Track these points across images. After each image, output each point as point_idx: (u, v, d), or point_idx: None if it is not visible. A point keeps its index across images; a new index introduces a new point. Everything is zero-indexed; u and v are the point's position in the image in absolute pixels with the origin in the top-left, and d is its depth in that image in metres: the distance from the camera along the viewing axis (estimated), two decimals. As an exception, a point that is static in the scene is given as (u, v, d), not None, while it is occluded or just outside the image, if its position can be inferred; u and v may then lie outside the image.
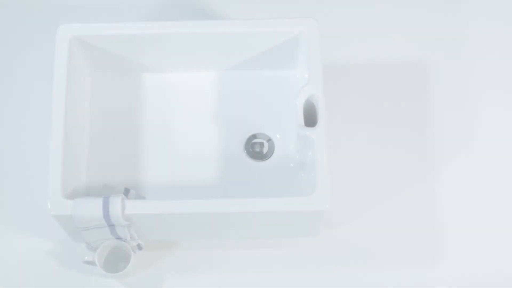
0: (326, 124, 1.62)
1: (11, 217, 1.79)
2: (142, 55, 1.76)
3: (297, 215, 1.60)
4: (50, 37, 1.92)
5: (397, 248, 1.77)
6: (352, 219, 1.79)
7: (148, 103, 1.80)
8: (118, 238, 1.66)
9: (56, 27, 1.92)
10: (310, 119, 1.68)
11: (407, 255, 1.76)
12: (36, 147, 1.85)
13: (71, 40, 1.68)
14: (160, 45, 1.73)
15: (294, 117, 1.76)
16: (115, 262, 1.73)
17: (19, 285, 1.75)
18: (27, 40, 1.95)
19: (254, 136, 1.77)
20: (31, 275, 1.75)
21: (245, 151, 1.77)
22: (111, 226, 1.61)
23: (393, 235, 1.78)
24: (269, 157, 1.76)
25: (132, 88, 1.81)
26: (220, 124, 1.78)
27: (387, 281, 1.75)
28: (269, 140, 1.77)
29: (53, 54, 1.89)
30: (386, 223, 1.78)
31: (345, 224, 1.79)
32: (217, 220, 1.61)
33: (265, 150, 1.77)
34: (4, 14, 1.97)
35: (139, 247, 1.71)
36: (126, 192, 1.70)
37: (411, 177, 1.82)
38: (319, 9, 1.97)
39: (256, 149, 1.77)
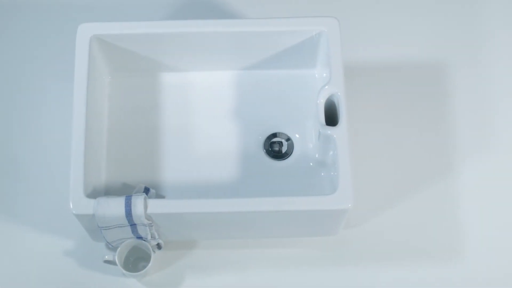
0: (347, 123, 1.62)
1: (31, 217, 1.79)
2: (161, 54, 1.76)
3: (319, 214, 1.60)
4: (66, 36, 1.94)
5: (415, 247, 1.77)
6: (370, 218, 1.79)
7: (167, 102, 1.80)
8: (139, 237, 1.66)
9: (71, 26, 1.93)
10: (330, 118, 1.69)
11: (425, 254, 1.76)
12: (53, 146, 1.84)
13: (91, 39, 1.68)
14: (179, 44, 1.73)
15: (313, 116, 1.76)
16: (135, 261, 1.73)
17: (39, 284, 1.74)
18: (44, 39, 1.94)
19: (273, 135, 1.77)
20: (50, 274, 1.75)
21: (264, 150, 1.76)
22: (133, 225, 1.60)
23: (411, 234, 1.78)
24: (288, 156, 1.76)
25: (151, 88, 1.80)
26: (239, 123, 1.78)
27: (406, 280, 1.74)
28: (288, 139, 1.77)
29: (69, 53, 1.91)
30: (404, 222, 1.79)
31: (362, 223, 1.79)
32: (240, 219, 1.61)
33: (284, 149, 1.77)
34: (22, 14, 1.96)
35: (159, 246, 1.70)
36: (146, 191, 1.69)
37: (429, 176, 1.82)
38: (335, 9, 1.97)
39: (275, 148, 1.77)
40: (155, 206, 1.57)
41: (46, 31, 1.95)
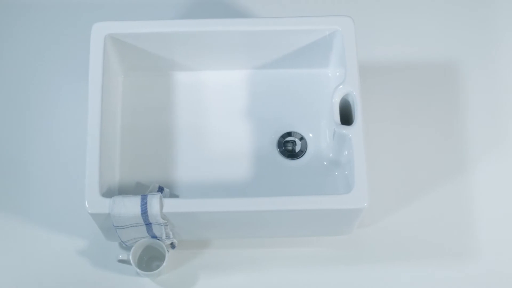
0: (363, 122, 1.62)
1: (44, 216, 1.79)
2: (174, 53, 1.75)
3: (334, 213, 1.60)
4: (77, 35, 1.93)
5: (428, 246, 1.77)
6: (383, 217, 1.79)
7: (180, 101, 1.79)
8: (153, 236, 1.66)
9: (81, 26, 1.93)
10: (344, 117, 1.69)
11: (439, 253, 1.76)
12: (66, 145, 1.84)
13: (106, 38, 1.68)
14: (192, 43, 1.73)
15: (326, 116, 1.76)
16: (149, 260, 1.73)
17: (53, 283, 1.74)
18: (56, 38, 1.94)
19: (287, 134, 1.77)
20: (64, 274, 1.75)
21: (278, 150, 1.76)
22: (148, 224, 1.60)
23: (424, 234, 1.78)
24: (302, 156, 1.76)
25: (164, 87, 1.80)
26: (252, 122, 1.78)
27: (420, 279, 1.74)
28: (301, 138, 1.77)
29: (81, 52, 1.91)
30: (417, 221, 1.79)
31: (376, 222, 1.79)
32: (256, 218, 1.61)
33: (297, 148, 1.77)
34: (32, 14, 1.96)
35: (172, 245, 1.70)
36: (160, 190, 1.69)
37: (442, 175, 1.82)
38: (347, 8, 1.97)
39: (289, 147, 1.77)
40: (171, 205, 1.57)
41: (57, 30, 1.95)
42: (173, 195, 1.72)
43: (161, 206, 1.57)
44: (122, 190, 1.73)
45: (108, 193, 1.64)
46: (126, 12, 1.96)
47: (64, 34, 1.94)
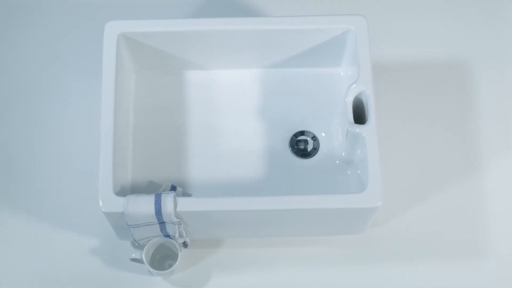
0: (376, 121, 1.62)
1: (56, 215, 1.79)
2: (187, 52, 1.75)
3: (348, 212, 1.60)
4: (88, 34, 1.93)
5: (441, 245, 1.77)
6: (395, 217, 1.79)
7: (192, 100, 1.79)
8: (166, 235, 1.66)
9: (92, 25, 1.93)
10: (356, 116, 1.69)
11: (451, 253, 1.76)
12: (77, 144, 1.84)
13: (119, 37, 1.68)
14: (205, 42, 1.73)
15: (339, 114, 1.76)
16: (161, 259, 1.73)
17: (65, 282, 1.74)
18: (67, 37, 1.94)
19: (300, 133, 1.77)
20: (76, 272, 1.74)
21: (290, 148, 1.76)
22: (162, 223, 1.60)
23: (437, 233, 1.78)
24: (314, 155, 1.76)
25: (176, 86, 1.80)
26: (265, 121, 1.78)
27: (433, 279, 1.74)
28: (313, 137, 1.77)
29: (92, 51, 1.91)
30: (430, 220, 1.79)
31: (388, 222, 1.79)
32: (271, 217, 1.61)
33: (309, 147, 1.77)
34: (42, 14, 1.96)
35: (185, 244, 1.70)
36: (173, 189, 1.69)
37: (455, 175, 1.82)
38: (358, 8, 1.97)
39: (301, 146, 1.77)
40: (185, 204, 1.57)
41: (69, 29, 1.95)
42: (185, 194, 1.72)
43: (175, 205, 1.57)
44: (135, 189, 1.73)
45: (121, 192, 1.64)
46: (137, 11, 1.96)
47: (76, 33, 1.94)
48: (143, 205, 1.56)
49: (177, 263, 1.67)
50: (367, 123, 1.63)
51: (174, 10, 1.96)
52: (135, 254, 1.69)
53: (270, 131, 1.78)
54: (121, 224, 1.62)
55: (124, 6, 1.97)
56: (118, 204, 1.57)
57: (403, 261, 1.75)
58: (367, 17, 1.92)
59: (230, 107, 1.79)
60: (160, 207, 1.56)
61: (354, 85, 1.65)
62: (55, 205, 1.79)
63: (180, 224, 1.61)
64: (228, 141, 1.77)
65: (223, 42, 1.73)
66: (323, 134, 1.77)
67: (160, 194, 1.57)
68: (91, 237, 1.77)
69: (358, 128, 1.62)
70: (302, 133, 1.77)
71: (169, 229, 1.62)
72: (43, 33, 1.94)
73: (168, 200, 1.56)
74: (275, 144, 1.77)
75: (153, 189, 1.73)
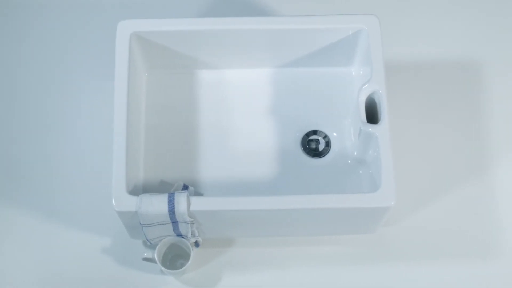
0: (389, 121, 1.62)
1: (68, 215, 1.79)
2: (198, 52, 1.75)
3: (361, 212, 1.60)
4: (99, 33, 1.93)
5: (453, 245, 1.77)
6: (407, 216, 1.79)
7: (203, 100, 1.79)
8: (179, 234, 1.66)
9: (104, 23, 1.93)
10: (369, 116, 1.69)
11: (463, 252, 1.76)
12: (88, 144, 1.84)
13: (131, 36, 1.68)
14: (216, 42, 1.72)
15: (350, 114, 1.76)
16: (173, 258, 1.73)
17: (77, 281, 1.74)
18: (77, 37, 1.94)
19: (312, 133, 1.77)
20: (88, 272, 1.74)
21: (302, 148, 1.76)
22: (175, 222, 1.60)
23: (449, 232, 1.78)
24: (326, 154, 1.76)
25: (188, 85, 1.80)
26: (276, 121, 1.78)
27: (444, 278, 1.74)
28: (325, 137, 1.77)
29: (102, 50, 1.91)
30: (442, 220, 1.79)
31: (400, 221, 1.79)
32: (284, 216, 1.61)
33: (321, 147, 1.77)
34: (60, 12, 1.96)
35: (197, 244, 1.70)
36: (185, 188, 1.69)
37: (467, 174, 1.82)
38: (369, 7, 1.97)
39: (312, 146, 1.77)
40: (198, 203, 1.57)
41: (79, 29, 1.95)
42: (197, 193, 1.72)
43: (189, 204, 1.56)
44: (146, 189, 1.73)
45: (134, 191, 1.64)
46: (149, 10, 1.96)
47: (87, 32, 1.94)
48: (157, 204, 1.56)
49: (189, 262, 1.67)
50: (380, 122, 1.63)
51: (185, 9, 1.96)
52: (147, 254, 1.69)
53: (282, 130, 1.78)
54: (134, 224, 1.62)
55: (135, 5, 1.96)
56: (131, 203, 1.57)
57: (415, 260, 1.75)
58: (379, 16, 1.92)
59: (241, 106, 1.79)
60: (174, 206, 1.56)
61: (367, 84, 1.65)
62: (67, 205, 1.79)
63: (193, 223, 1.61)
64: (240, 141, 1.77)
65: (235, 41, 1.73)
66: (334, 134, 1.77)
67: (173, 193, 1.57)
68: (103, 236, 1.77)
69: (371, 127, 1.62)
70: (314, 132, 1.77)
71: (182, 228, 1.62)
72: (55, 33, 1.94)
73: (181, 200, 1.56)
74: (286, 143, 1.77)
75: (164, 188, 1.73)
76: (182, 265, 1.72)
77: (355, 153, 1.74)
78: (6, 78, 1.90)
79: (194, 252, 1.71)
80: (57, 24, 1.95)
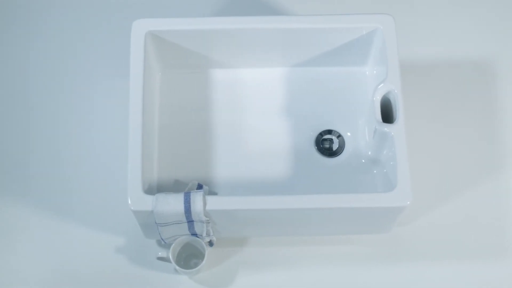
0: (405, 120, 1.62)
1: (82, 214, 1.78)
2: (212, 51, 1.75)
3: (376, 211, 1.60)
4: (111, 32, 1.93)
5: (467, 245, 1.77)
6: (422, 216, 1.79)
7: (217, 99, 1.79)
8: (194, 234, 1.66)
9: (116, 22, 1.93)
10: (383, 115, 1.68)
11: (478, 252, 1.76)
12: (102, 143, 1.84)
13: (146, 35, 1.68)
14: (230, 41, 1.72)
15: (365, 113, 1.76)
16: (187, 258, 1.73)
17: (91, 280, 1.74)
18: (93, 36, 1.94)
19: (327, 132, 1.77)
20: (102, 271, 1.74)
21: (316, 147, 1.76)
22: (190, 222, 1.60)
23: (463, 232, 1.78)
24: (340, 154, 1.76)
25: (201, 84, 1.80)
26: (290, 120, 1.78)
27: (459, 278, 1.74)
28: (339, 136, 1.77)
29: (118, 49, 1.91)
30: (456, 219, 1.79)
31: (414, 221, 1.79)
32: (300, 216, 1.61)
33: (335, 146, 1.77)
34: (74, 10, 1.96)
35: (211, 243, 1.70)
36: (199, 188, 1.69)
37: (482, 174, 1.82)
38: (383, 7, 1.97)
39: (326, 145, 1.77)
40: (214, 202, 1.57)
41: (93, 27, 1.95)
42: (211, 193, 1.72)
43: (205, 203, 1.56)
44: (161, 188, 1.72)
45: (149, 191, 1.64)
46: (162, 9, 1.96)
47: (101, 31, 1.94)
48: (173, 203, 1.56)
49: (203, 262, 1.67)
50: (395, 122, 1.63)
51: (199, 8, 1.96)
52: (162, 253, 1.69)
53: (296, 130, 1.77)
54: (149, 223, 1.62)
55: (148, 4, 1.96)
56: (147, 202, 1.57)
57: (429, 260, 1.75)
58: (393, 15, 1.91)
59: (255, 105, 1.79)
60: (190, 205, 1.56)
61: (382, 84, 1.65)
62: (81, 205, 1.79)
63: (209, 222, 1.61)
64: (253, 140, 1.77)
65: (249, 40, 1.72)
66: (348, 134, 1.77)
67: (189, 192, 1.57)
68: (117, 235, 1.77)
69: (387, 127, 1.62)
70: (329, 132, 1.77)
71: (197, 227, 1.62)
72: (69, 32, 1.94)
73: (197, 199, 1.56)
74: (300, 143, 1.77)
75: (179, 187, 1.72)
76: (196, 265, 1.72)
77: (369, 153, 1.74)
78: (20, 77, 1.90)
79: (207, 252, 1.71)
80: (71, 23, 1.95)
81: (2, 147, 1.84)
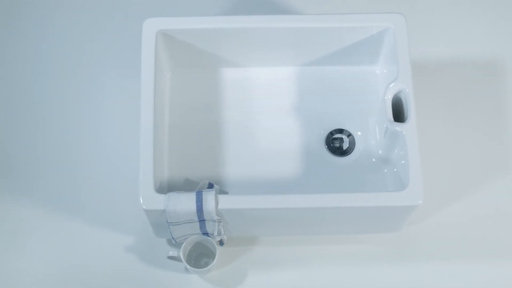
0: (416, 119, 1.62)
1: (92, 214, 1.78)
2: (222, 50, 1.75)
3: (388, 210, 1.60)
4: (119, 31, 1.93)
5: (478, 244, 1.77)
6: (432, 215, 1.79)
7: (227, 98, 1.79)
8: (205, 233, 1.65)
9: (131, 21, 1.93)
10: (394, 114, 1.68)
11: (488, 251, 1.76)
12: (112, 143, 1.84)
13: (157, 34, 1.67)
14: (240, 40, 1.72)
15: (375, 113, 1.76)
16: (197, 257, 1.73)
17: (102, 280, 1.73)
18: (105, 34, 1.94)
19: (338, 131, 1.77)
20: (112, 270, 1.74)
21: (326, 146, 1.76)
22: (202, 221, 1.60)
23: (474, 231, 1.78)
24: (350, 153, 1.76)
25: (212, 83, 1.80)
26: (300, 119, 1.78)
27: (469, 277, 1.74)
28: (349, 135, 1.77)
29: (128, 48, 1.90)
30: (467, 219, 1.79)
31: (425, 220, 1.79)
32: (313, 215, 1.61)
33: (345, 145, 1.76)
34: (84, 9, 1.96)
35: (221, 242, 1.70)
36: (210, 187, 1.69)
37: (493, 173, 1.81)
38: (394, 6, 1.97)
39: (336, 144, 1.77)
40: (226, 202, 1.57)
41: (104, 26, 1.95)
42: (222, 192, 1.72)
43: (216, 202, 1.56)
44: (171, 187, 1.72)
45: (160, 190, 1.64)
46: (172, 8, 1.96)
47: (112, 30, 1.94)
48: (185, 202, 1.56)
49: (214, 261, 1.67)
50: (407, 121, 1.62)
51: (210, 7, 1.96)
52: (172, 252, 1.69)
53: (306, 129, 1.77)
54: (160, 222, 1.62)
55: (159, 3, 1.96)
56: (159, 201, 1.57)
57: (440, 259, 1.75)
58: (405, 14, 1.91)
59: (265, 104, 1.79)
60: (202, 204, 1.56)
61: (393, 83, 1.65)
62: (92, 204, 1.79)
63: (220, 221, 1.61)
64: (264, 139, 1.77)
65: (259, 39, 1.72)
66: (359, 133, 1.77)
67: (201, 191, 1.57)
68: (128, 234, 1.77)
69: (398, 126, 1.62)
70: (339, 131, 1.77)
71: (209, 227, 1.62)
72: (80, 30, 1.94)
73: (209, 198, 1.56)
74: (311, 142, 1.77)
75: (189, 187, 1.72)
76: (206, 264, 1.72)
77: (380, 152, 1.74)
78: (31, 77, 1.90)
79: (218, 251, 1.71)
80: (80, 23, 1.95)
81: (13, 147, 1.84)
